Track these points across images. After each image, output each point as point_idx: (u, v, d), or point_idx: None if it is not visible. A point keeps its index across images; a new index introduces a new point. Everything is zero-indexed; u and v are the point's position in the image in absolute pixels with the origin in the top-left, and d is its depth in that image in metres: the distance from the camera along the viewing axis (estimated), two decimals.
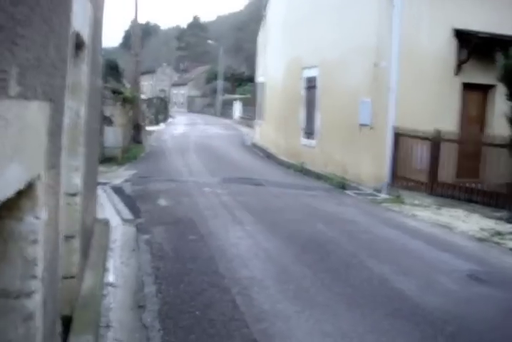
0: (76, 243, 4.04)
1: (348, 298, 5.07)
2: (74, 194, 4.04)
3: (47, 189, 2.29)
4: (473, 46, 12.50)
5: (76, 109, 3.98)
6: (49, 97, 2.22)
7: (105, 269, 5.44)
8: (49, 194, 2.39)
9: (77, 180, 4.06)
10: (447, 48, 12.72)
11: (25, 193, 1.98)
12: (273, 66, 22.13)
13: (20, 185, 1.78)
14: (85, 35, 3.96)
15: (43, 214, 2.18)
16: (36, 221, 2.10)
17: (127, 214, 8.55)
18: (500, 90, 10.74)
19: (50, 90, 2.23)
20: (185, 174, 13.75)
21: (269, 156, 20.34)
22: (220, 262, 5.98)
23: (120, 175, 13.02)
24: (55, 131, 2.47)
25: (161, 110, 42.51)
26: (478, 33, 12.30)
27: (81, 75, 4.06)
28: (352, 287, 5.35)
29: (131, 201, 9.57)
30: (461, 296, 5.35)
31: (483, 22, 12.48)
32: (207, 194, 10.65)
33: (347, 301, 5.01)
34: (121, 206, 9.18)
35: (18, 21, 1.56)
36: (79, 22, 3.36)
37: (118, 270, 5.63)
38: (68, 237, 3.90)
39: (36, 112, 1.96)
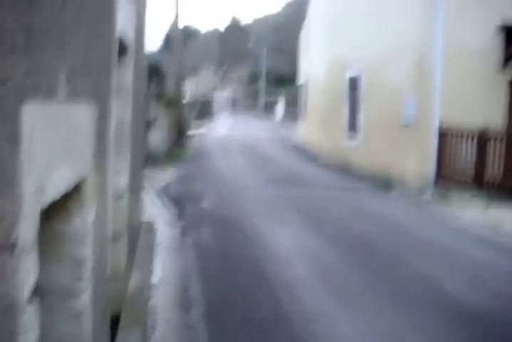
0: (123, 244, 4.12)
1: (393, 298, 5.03)
2: (120, 197, 4.11)
3: (95, 191, 2.34)
4: None
5: (122, 112, 4.05)
6: (96, 100, 2.27)
7: (151, 270, 5.51)
8: (97, 195, 2.44)
9: (123, 183, 4.13)
10: (493, 45, 12.48)
11: (73, 195, 2.03)
12: (315, 67, 22.09)
13: (69, 187, 1.82)
14: (129, 39, 4.03)
15: (91, 215, 2.22)
16: (84, 223, 2.14)
17: (171, 216, 8.65)
18: None
19: (96, 94, 2.28)
20: (228, 175, 13.82)
21: (312, 157, 20.27)
22: (266, 262, 6.00)
23: (164, 178, 13.15)
24: (102, 133, 2.52)
25: (204, 112, 42.86)
26: None
27: (126, 79, 4.13)
28: (397, 286, 5.30)
29: (175, 204, 9.66)
30: (510, 295, 5.24)
31: None
32: (251, 195, 10.69)
33: (392, 300, 4.97)
34: (165, 208, 9.28)
35: (65, 26, 1.61)
36: (123, 27, 3.42)
37: (164, 271, 5.70)
38: (116, 238, 3.98)
39: (83, 115, 2.01)
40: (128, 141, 4.19)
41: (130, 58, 4.21)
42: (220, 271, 5.68)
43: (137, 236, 5.78)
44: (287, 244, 6.87)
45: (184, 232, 7.54)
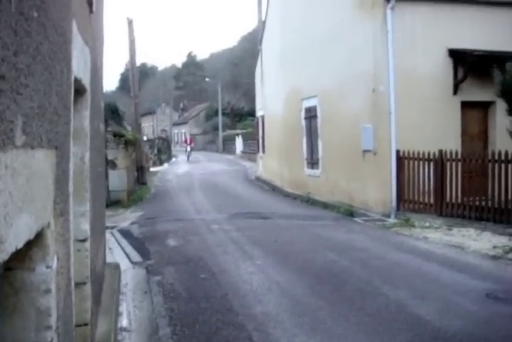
0: (88, 289, 4.01)
1: (366, 327, 5.00)
2: (83, 240, 4.02)
3: (57, 237, 2.29)
4: (469, 64, 12.62)
5: (81, 155, 4.00)
6: (54, 144, 2.24)
7: (118, 314, 5.39)
8: (59, 241, 2.38)
9: (85, 226, 4.06)
10: (444, 68, 12.85)
11: (35, 242, 1.98)
12: (272, 99, 22.33)
13: (30, 235, 1.78)
14: (86, 80, 4.01)
15: (55, 262, 2.17)
16: (48, 270, 2.08)
17: (136, 256, 8.52)
18: (500, 105, 10.80)
19: (55, 138, 2.25)
20: (191, 212, 13.74)
21: (274, 188, 20.34)
22: (234, 299, 5.93)
23: (127, 218, 13.01)
24: (62, 178, 2.48)
25: (163, 150, 42.81)
26: (473, 51, 12.44)
27: (83, 120, 4.10)
28: (370, 315, 5.28)
29: (140, 243, 9.54)
30: (482, 316, 5.27)
31: (477, 40, 12.66)
32: (215, 231, 10.62)
33: (366, 330, 4.94)
34: (130, 248, 9.15)
35: (21, 71, 1.59)
36: (79, 68, 3.41)
37: (131, 314, 5.58)
38: (80, 284, 3.88)
39: (42, 161, 1.97)
40: (88, 184, 4.13)
41: (86, 99, 4.19)
42: (189, 311, 5.58)
43: (102, 279, 5.66)
44: (254, 280, 6.81)
45: (150, 272, 7.43)
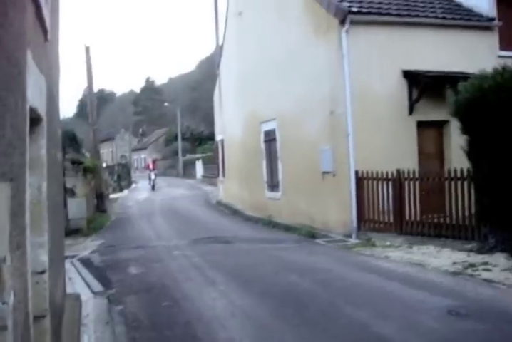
0: (47, 323, 3.93)
1: None
2: (42, 272, 3.95)
3: (13, 271, 2.25)
4: (423, 85, 12.94)
5: (38, 184, 3.95)
6: (9, 177, 2.21)
7: None
8: (16, 275, 2.34)
9: (44, 257, 3.98)
10: (399, 90, 13.12)
11: None
12: (231, 123, 22.42)
13: None
14: (42, 109, 3.97)
15: (11, 298, 2.13)
16: (4, 306, 2.04)
17: (97, 285, 8.39)
18: (455, 124, 11.03)
19: (9, 170, 2.22)
20: (153, 239, 13.61)
21: (235, 212, 20.32)
22: (197, 326, 5.87)
23: (87, 246, 12.82)
24: (17, 210, 2.45)
25: (123, 176, 42.43)
26: (426, 72, 12.77)
27: (40, 150, 4.05)
28: (334, 337, 5.29)
29: (101, 273, 9.40)
30: (444, 334, 5.32)
31: (430, 61, 13.02)
32: (177, 258, 10.54)
33: None
34: (91, 278, 9.01)
35: None
36: (34, 97, 3.38)
37: None
38: (38, 317, 3.80)
39: None
40: (45, 214, 4.07)
41: (42, 128, 4.14)
42: (152, 340, 5.51)
43: (62, 311, 5.55)
44: (217, 305, 6.77)
45: (112, 301, 7.32)
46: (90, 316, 6.65)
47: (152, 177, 35.91)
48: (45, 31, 4.36)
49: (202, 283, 8.10)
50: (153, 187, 35.37)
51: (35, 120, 3.73)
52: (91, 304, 7.29)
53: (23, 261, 2.66)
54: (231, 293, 7.38)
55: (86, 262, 10.58)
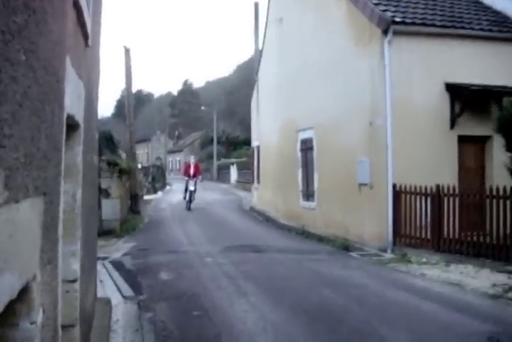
0: (76, 332, 3.84)
1: None
2: (73, 281, 3.86)
3: (44, 287, 2.14)
4: (466, 99, 12.63)
5: (72, 192, 3.86)
6: (42, 191, 2.11)
7: None
8: (46, 291, 2.23)
9: (75, 266, 3.90)
10: (440, 102, 12.84)
11: (20, 297, 1.83)
12: (267, 129, 22.30)
13: (13, 294, 1.64)
14: (79, 116, 3.89)
15: (40, 316, 2.02)
16: (32, 326, 1.93)
17: (128, 290, 8.32)
18: (498, 140, 10.76)
19: (43, 184, 2.11)
20: (185, 244, 13.54)
21: (268, 220, 20.17)
22: (227, 339, 5.74)
23: (120, 248, 12.81)
24: (50, 224, 2.34)
25: (158, 178, 42.64)
26: (470, 85, 12.46)
27: (76, 157, 3.97)
28: None
29: (132, 276, 9.34)
30: None
31: (474, 74, 12.70)
32: (208, 265, 10.43)
33: None
34: (121, 281, 8.95)
35: (4, 121, 1.46)
36: (72, 104, 3.29)
37: None
38: (68, 327, 3.72)
39: (27, 212, 1.84)
40: (79, 221, 3.98)
41: (79, 134, 4.06)
42: None
43: (92, 316, 5.47)
44: (248, 319, 6.62)
45: (142, 307, 7.24)
46: (120, 322, 6.57)
47: (191, 187, 23.36)
48: (86, 37, 4.28)
49: (233, 294, 7.97)
50: (189, 205, 23.21)
51: (72, 126, 3.64)
52: (121, 309, 7.22)
53: (54, 275, 2.55)
54: (262, 306, 7.23)
55: (118, 265, 10.55)
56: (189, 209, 23.01)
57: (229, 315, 6.76)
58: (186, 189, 23.74)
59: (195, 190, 23.57)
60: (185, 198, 23.78)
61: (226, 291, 8.18)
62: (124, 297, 7.91)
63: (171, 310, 7.10)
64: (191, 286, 8.52)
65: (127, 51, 22.95)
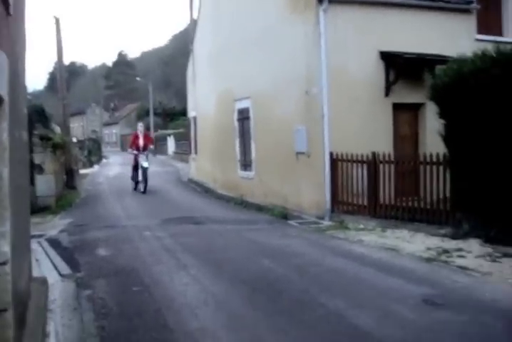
0: (9, 317, 3.71)
1: (305, 341, 4.87)
2: (3, 263, 3.72)
3: None
4: (400, 67, 12.79)
5: None
6: None
7: (45, 335, 5.07)
8: None
9: (5, 248, 3.74)
10: (375, 71, 12.94)
11: None
12: (204, 99, 22.07)
13: None
14: (3, 90, 3.71)
15: None
16: None
17: (65, 268, 8.13)
18: (431, 107, 10.94)
19: None
20: (123, 218, 13.35)
21: (207, 190, 20.14)
22: (168, 314, 5.69)
23: (56, 225, 12.52)
24: None
25: (94, 151, 41.95)
26: (404, 53, 12.60)
27: (2, 133, 3.78)
28: (310, 328, 5.15)
29: (69, 254, 9.14)
30: (420, 324, 5.23)
31: (408, 43, 12.86)
32: (147, 239, 10.32)
33: None
34: (58, 259, 8.73)
35: None
36: None
37: (59, 334, 5.26)
38: (0, 311, 3.59)
39: None
40: (7, 202, 3.81)
41: (4, 110, 3.87)
42: (121, 329, 5.30)
43: (27, 298, 5.32)
44: (188, 292, 6.58)
45: (80, 285, 7.09)
46: (57, 301, 6.42)
47: (144, 163, 18.73)
48: (6, 4, 4.05)
49: (173, 267, 7.91)
50: (142, 187, 18.82)
51: None
52: (59, 288, 7.05)
53: None
54: (203, 279, 7.20)
55: (54, 242, 10.30)
56: (143, 191, 18.36)
57: (170, 289, 6.71)
58: (136, 167, 19.03)
59: (147, 166, 18.63)
60: (133, 179, 19.39)
61: (166, 264, 8.12)
62: (61, 275, 7.73)
63: (110, 286, 6.99)
64: (130, 261, 8.41)
65: (57, 21, 22.17)
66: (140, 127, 20.57)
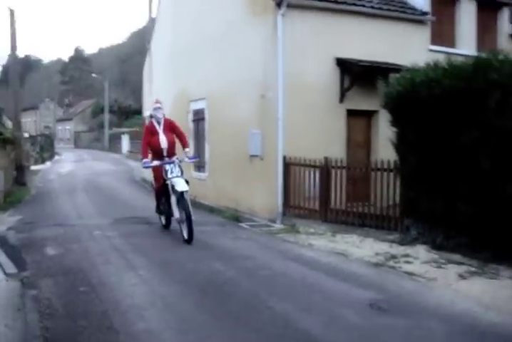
0: None
1: None
2: None
3: None
4: (355, 74, 12.99)
5: None
6: None
7: None
8: None
9: None
10: (331, 77, 13.10)
11: None
12: (160, 99, 21.89)
13: None
14: None
15: None
16: None
17: (11, 267, 7.97)
18: (383, 115, 11.14)
19: None
20: (73, 217, 13.19)
21: None
22: (114, 316, 5.64)
23: (4, 222, 12.30)
24: None
25: (46, 147, 41.23)
26: (359, 61, 12.80)
27: None
28: (257, 331, 5.18)
29: (16, 252, 8.98)
30: (366, 329, 5.30)
31: (364, 51, 13.10)
32: (97, 238, 10.21)
33: None
34: (4, 258, 8.56)
35: None
36: None
37: (1, 335, 5.16)
38: None
39: None
40: None
41: None
42: (66, 330, 5.23)
43: None
44: (136, 293, 6.53)
45: (26, 285, 6.97)
46: (0, 301, 6.30)
47: (180, 184, 9.85)
48: None
49: (121, 268, 7.85)
50: (190, 234, 9.62)
51: None
52: (3, 287, 6.93)
53: None
54: (151, 280, 7.16)
55: (1, 240, 10.12)
56: (188, 239, 9.60)
57: (117, 291, 6.65)
58: (161, 190, 10.63)
59: (187, 190, 9.92)
60: (162, 211, 11.12)
61: (114, 265, 8.05)
62: (6, 274, 7.58)
63: (57, 287, 6.88)
64: (78, 260, 8.30)
65: (12, 13, 21.78)
66: (158, 110, 10.92)
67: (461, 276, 7.38)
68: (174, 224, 10.79)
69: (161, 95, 21.61)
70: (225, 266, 7.94)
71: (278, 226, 12.09)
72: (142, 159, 10.65)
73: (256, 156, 13.19)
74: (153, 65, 23.63)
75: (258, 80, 13.11)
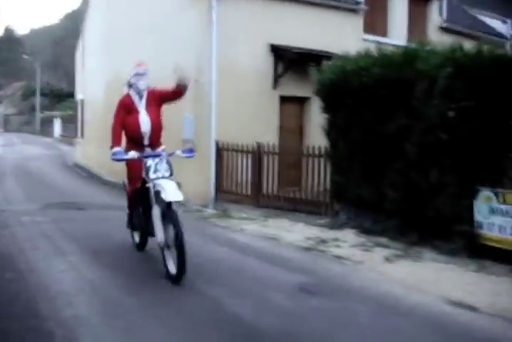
0: None
1: (184, 329, 4.90)
2: None
3: None
4: (288, 61, 13.10)
5: None
6: None
7: None
8: None
9: None
10: (265, 63, 13.19)
11: None
12: (93, 83, 21.54)
13: None
14: None
15: None
16: None
17: None
18: (315, 101, 11.30)
19: None
20: (1, 202, 12.85)
21: (92, 176, 19.74)
22: (42, 302, 5.57)
23: None
24: None
25: None
26: (292, 48, 12.90)
27: None
28: (187, 316, 5.18)
29: None
30: (295, 312, 5.40)
31: (298, 37, 13.21)
32: (26, 224, 10.01)
33: (184, 332, 4.84)
34: None
35: None
36: None
37: None
38: None
39: None
40: None
41: None
42: None
43: None
44: (65, 279, 6.45)
45: None
46: None
47: (169, 193, 6.51)
48: None
49: (50, 254, 7.73)
50: (181, 267, 6.00)
51: None
52: None
53: None
54: (81, 266, 7.09)
55: None
56: (177, 276, 6.15)
57: (46, 277, 6.56)
58: (137, 199, 7.65)
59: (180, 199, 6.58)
60: (134, 227, 8.09)
61: (43, 250, 7.92)
62: None
63: None
64: (5, 247, 8.13)
65: None
66: (142, 77, 7.60)
67: (387, 259, 7.62)
68: (105, 213, 10.68)
69: (94, 78, 21.28)
70: (154, 251, 7.90)
71: (210, 211, 12.13)
72: (111, 147, 7.15)
73: (190, 136, 13.12)
74: (86, 48, 23.14)
75: (192, 65, 13.03)
